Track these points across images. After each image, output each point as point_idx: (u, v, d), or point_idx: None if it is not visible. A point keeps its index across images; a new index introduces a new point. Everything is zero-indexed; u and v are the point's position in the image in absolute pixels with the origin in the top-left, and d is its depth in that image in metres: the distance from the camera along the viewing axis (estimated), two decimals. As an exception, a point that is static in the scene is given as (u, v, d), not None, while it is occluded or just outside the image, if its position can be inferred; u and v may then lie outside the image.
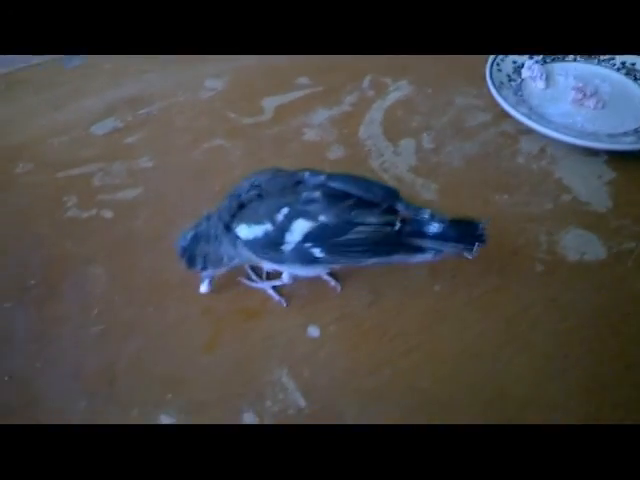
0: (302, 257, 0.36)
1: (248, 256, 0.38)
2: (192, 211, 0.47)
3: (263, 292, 0.42)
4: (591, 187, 0.49)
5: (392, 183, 0.49)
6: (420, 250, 0.35)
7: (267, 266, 0.40)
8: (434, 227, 0.35)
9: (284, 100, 0.58)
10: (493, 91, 0.54)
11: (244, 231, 0.37)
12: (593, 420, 0.35)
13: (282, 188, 0.37)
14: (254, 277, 0.43)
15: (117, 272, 0.44)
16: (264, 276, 0.42)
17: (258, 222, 0.36)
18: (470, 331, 0.40)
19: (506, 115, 0.54)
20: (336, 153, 0.52)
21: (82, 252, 0.45)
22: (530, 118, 0.51)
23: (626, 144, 0.49)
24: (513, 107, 0.52)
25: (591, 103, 0.53)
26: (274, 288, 0.41)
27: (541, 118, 0.52)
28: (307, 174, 0.38)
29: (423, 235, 0.35)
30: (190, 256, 0.39)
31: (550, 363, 0.38)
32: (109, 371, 0.38)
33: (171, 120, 0.56)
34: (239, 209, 0.37)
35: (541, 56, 0.58)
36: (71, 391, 0.37)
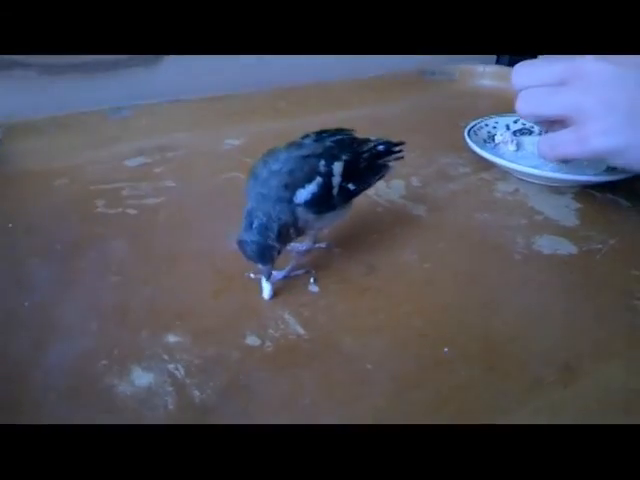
0: (344, 196, 0.43)
1: (305, 220, 0.41)
2: (209, 214, 0.53)
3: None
4: (560, 212, 0.55)
5: (385, 206, 0.56)
6: (385, 166, 0.47)
7: (312, 228, 0.43)
8: (382, 147, 0.47)
9: (292, 153, 0.67)
10: (472, 144, 0.63)
11: (302, 194, 0.40)
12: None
13: (302, 151, 0.42)
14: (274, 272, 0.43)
15: (138, 245, 0.48)
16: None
17: (310, 180, 0.41)
18: (458, 293, 0.43)
19: (483, 168, 0.63)
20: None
21: (107, 232, 0.50)
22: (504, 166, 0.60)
23: (588, 175, 0.57)
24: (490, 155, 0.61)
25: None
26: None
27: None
28: (300, 140, 0.45)
29: (381, 155, 0.47)
30: (266, 247, 0.39)
31: (531, 314, 0.41)
32: (123, 306, 0.41)
33: (195, 160, 0.64)
34: (289, 177, 0.41)
35: (512, 129, 0.69)
36: (85, 317, 0.40)
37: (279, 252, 0.40)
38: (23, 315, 0.40)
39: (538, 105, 0.50)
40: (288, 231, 0.41)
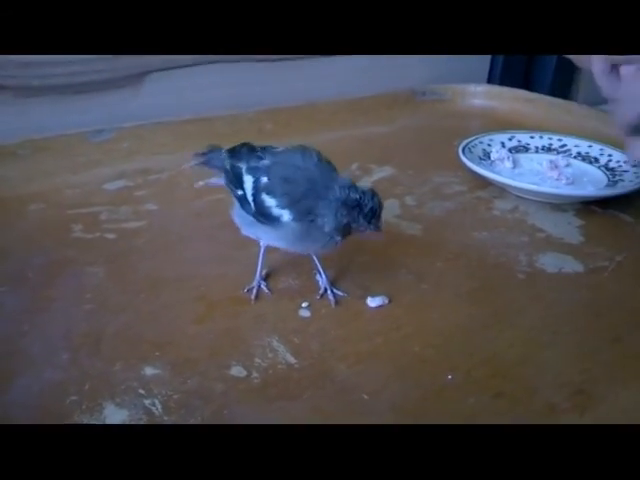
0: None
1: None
2: (192, 237, 0.51)
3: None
4: (563, 229, 0.53)
5: (379, 225, 0.53)
6: None
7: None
8: None
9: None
10: (467, 162, 0.60)
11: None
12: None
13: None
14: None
15: (115, 270, 0.45)
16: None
17: None
18: (459, 315, 0.40)
19: (480, 186, 0.61)
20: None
21: (83, 258, 0.46)
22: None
23: (590, 191, 0.55)
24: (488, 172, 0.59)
25: (555, 174, 0.60)
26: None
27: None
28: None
29: None
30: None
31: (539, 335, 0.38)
32: (97, 334, 0.38)
33: (178, 182, 0.61)
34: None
35: (507, 147, 0.66)
36: (56, 347, 0.36)
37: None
38: (-14, 348, 0.36)
39: None
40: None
